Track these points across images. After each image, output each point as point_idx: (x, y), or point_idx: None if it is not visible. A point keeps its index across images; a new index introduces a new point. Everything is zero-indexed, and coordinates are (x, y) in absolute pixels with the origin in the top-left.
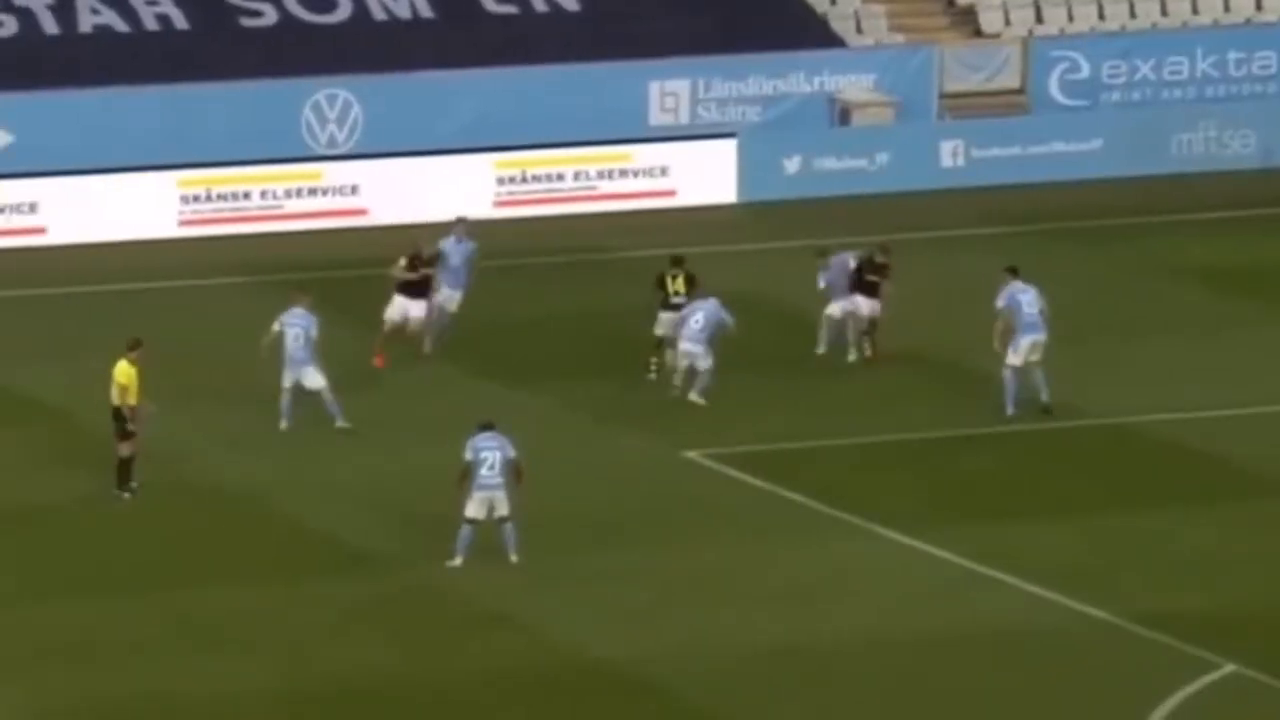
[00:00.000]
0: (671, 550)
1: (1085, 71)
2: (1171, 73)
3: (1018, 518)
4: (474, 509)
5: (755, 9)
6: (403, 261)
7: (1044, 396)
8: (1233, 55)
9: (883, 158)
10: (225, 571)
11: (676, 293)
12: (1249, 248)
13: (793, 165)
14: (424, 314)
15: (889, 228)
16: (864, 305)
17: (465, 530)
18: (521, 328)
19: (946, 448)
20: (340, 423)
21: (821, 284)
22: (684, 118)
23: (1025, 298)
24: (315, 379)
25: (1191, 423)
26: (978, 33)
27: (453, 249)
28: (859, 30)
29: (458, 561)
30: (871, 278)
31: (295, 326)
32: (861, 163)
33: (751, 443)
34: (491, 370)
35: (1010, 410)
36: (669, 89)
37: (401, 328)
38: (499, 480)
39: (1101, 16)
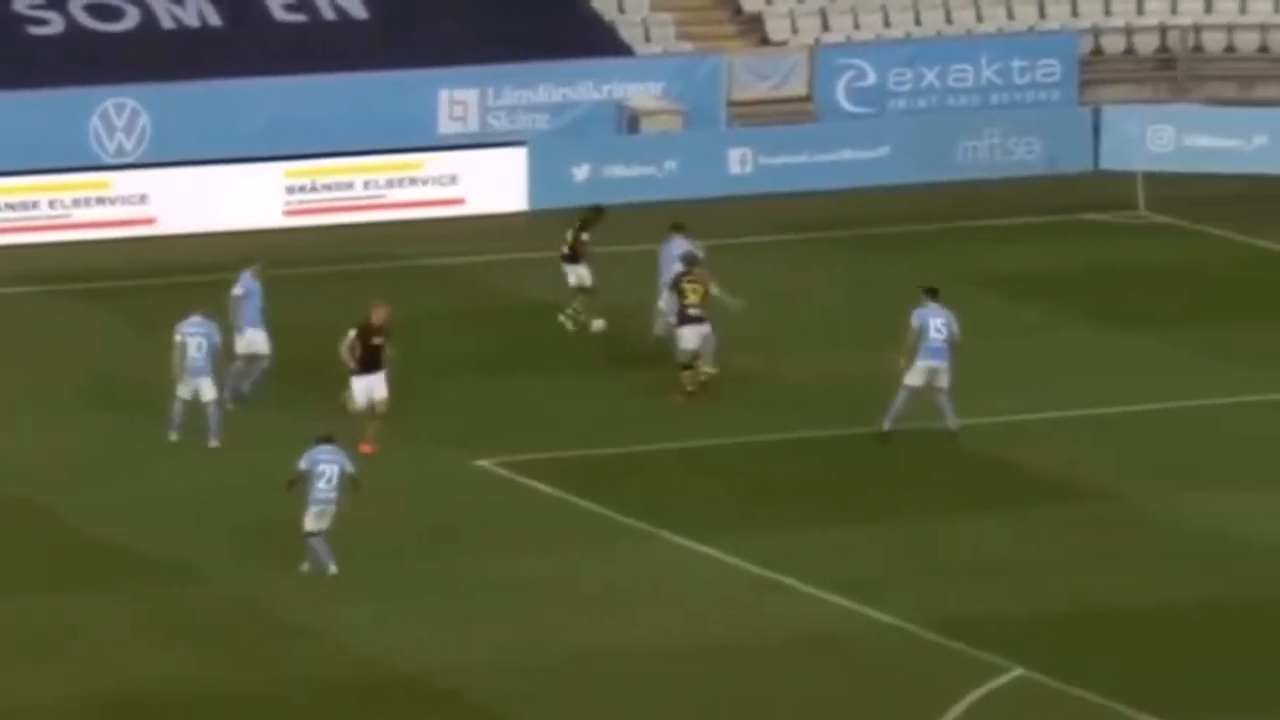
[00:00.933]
0: (469, 560)
1: (872, 79)
2: (957, 80)
3: (814, 524)
4: (312, 522)
5: (544, 17)
6: (351, 333)
7: (951, 424)
8: (1017, 63)
9: (671, 165)
10: (28, 582)
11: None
12: (1036, 253)
13: (582, 173)
14: (386, 391)
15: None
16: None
17: (312, 543)
18: (310, 336)
19: (743, 454)
20: (214, 442)
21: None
22: (473, 126)
23: (936, 321)
24: (211, 391)
25: (988, 428)
26: (765, 41)
27: (252, 287)
28: (647, 38)
29: (331, 570)
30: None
31: (197, 335)
32: (650, 170)
33: (543, 450)
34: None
35: (887, 426)
36: (458, 97)
37: (370, 409)
38: (334, 495)
39: (887, 24)
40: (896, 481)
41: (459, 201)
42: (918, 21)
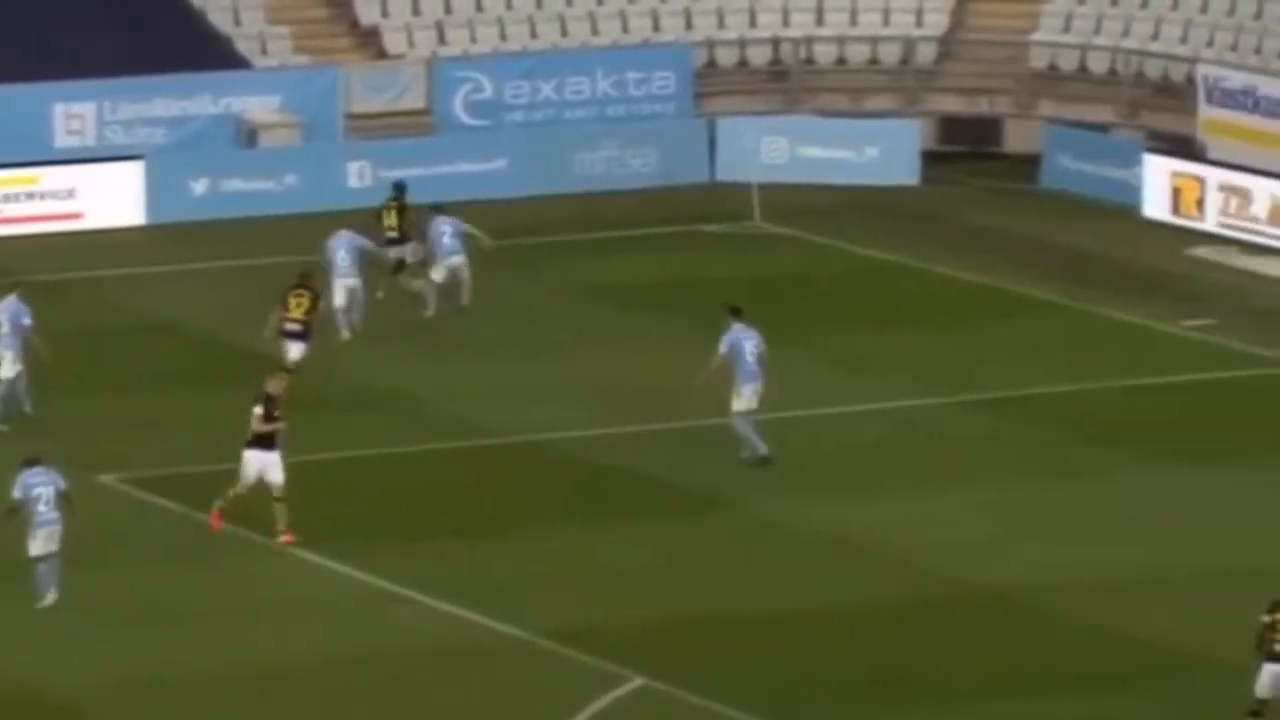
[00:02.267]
0: (93, 576)
1: (489, 92)
2: (573, 93)
3: (439, 538)
4: (39, 546)
5: (161, 30)
6: (259, 409)
7: (762, 450)
8: (632, 75)
9: (290, 179)
10: None
11: (390, 227)
12: (653, 265)
13: (200, 187)
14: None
15: (299, 248)
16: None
17: (40, 569)
18: None
19: (369, 467)
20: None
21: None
22: (91, 139)
23: (749, 344)
24: (10, 369)
25: (606, 439)
26: (382, 54)
27: (16, 310)
28: (264, 51)
29: (48, 600)
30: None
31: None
32: (269, 184)
33: (165, 466)
34: None
35: (764, 450)
36: (74, 111)
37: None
38: (56, 515)
39: (504, 38)
40: (518, 494)
41: (77, 216)
42: (534, 35)
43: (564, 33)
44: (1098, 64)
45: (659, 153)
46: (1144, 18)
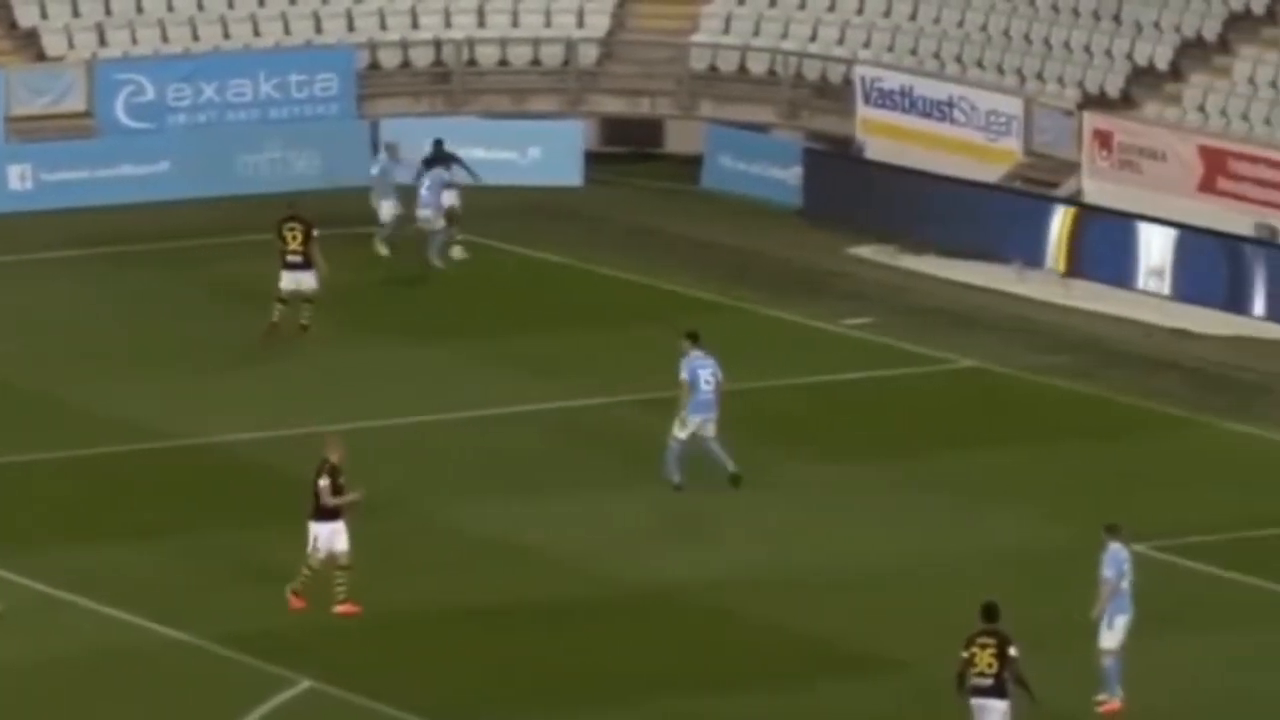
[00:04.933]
0: None
1: (151, 94)
2: (236, 95)
3: (99, 541)
4: None
5: None
6: (325, 481)
7: (730, 467)
8: (295, 77)
9: None
10: None
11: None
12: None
13: None
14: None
15: None
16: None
17: None
18: None
19: (17, 473)
20: None
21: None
22: None
23: (704, 373)
24: None
25: (268, 442)
26: (41, 56)
27: None
28: None
29: None
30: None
31: None
32: None
33: None
34: None
35: (678, 479)
36: None
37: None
38: None
39: (165, 39)
40: (176, 497)
41: None
42: (196, 37)
43: (226, 35)
44: (757, 65)
45: (322, 155)
46: (802, 19)
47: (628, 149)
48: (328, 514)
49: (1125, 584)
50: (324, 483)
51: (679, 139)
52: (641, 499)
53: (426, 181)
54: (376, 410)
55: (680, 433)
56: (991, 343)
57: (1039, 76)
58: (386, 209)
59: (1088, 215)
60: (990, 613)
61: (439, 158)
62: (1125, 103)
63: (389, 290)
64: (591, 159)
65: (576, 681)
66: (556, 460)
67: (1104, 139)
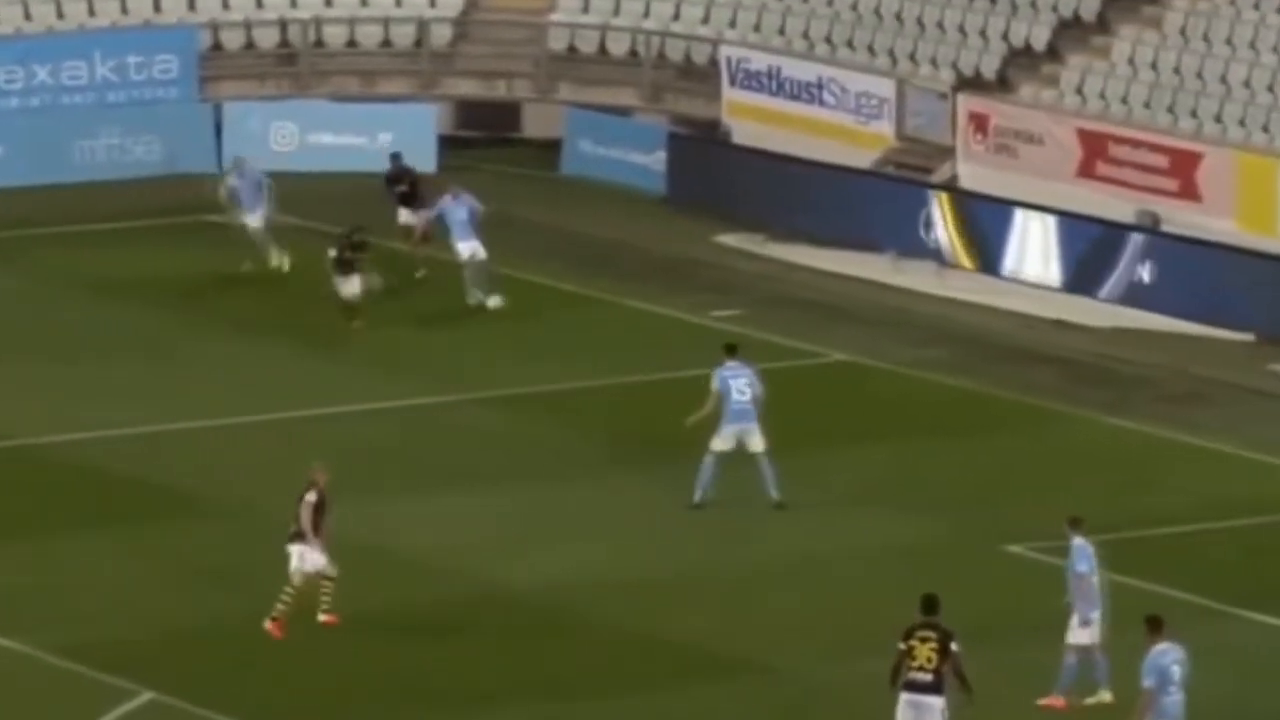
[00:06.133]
0: None
1: None
2: (71, 78)
3: None
4: None
5: None
6: (312, 497)
7: (773, 493)
8: (133, 59)
9: None
10: None
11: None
12: (157, 257)
13: None
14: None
15: None
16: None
17: None
18: None
19: None
20: None
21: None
22: None
23: (736, 383)
24: None
25: (110, 441)
26: None
27: None
28: None
29: None
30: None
31: None
32: None
33: None
34: None
35: (698, 498)
36: None
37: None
38: None
39: None
40: (21, 500)
41: None
42: (28, 16)
43: (60, 14)
44: (618, 45)
45: (163, 140)
46: None
47: (483, 134)
48: (302, 536)
49: (1095, 578)
50: (310, 497)
51: (537, 123)
52: (485, 499)
53: (452, 225)
54: (215, 409)
55: (718, 445)
56: (865, 335)
57: (912, 57)
58: (254, 220)
59: (963, 201)
60: (930, 605)
61: (399, 175)
62: (1001, 85)
63: (219, 282)
64: (445, 144)
65: (417, 686)
66: (398, 459)
67: (979, 122)
